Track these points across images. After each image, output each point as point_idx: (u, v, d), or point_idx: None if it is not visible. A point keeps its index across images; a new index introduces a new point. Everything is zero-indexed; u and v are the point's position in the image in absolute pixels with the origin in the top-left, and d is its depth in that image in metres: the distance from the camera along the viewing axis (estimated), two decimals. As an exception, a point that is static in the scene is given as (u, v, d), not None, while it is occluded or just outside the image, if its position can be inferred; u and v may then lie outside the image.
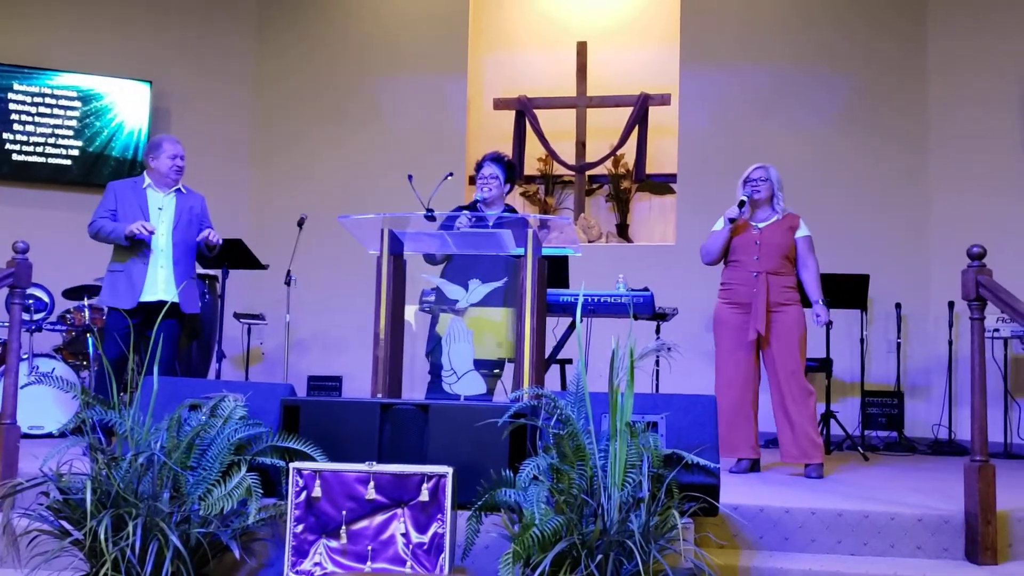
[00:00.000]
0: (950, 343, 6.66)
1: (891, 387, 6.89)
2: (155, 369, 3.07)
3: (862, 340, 6.82)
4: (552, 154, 7.90)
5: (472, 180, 7.89)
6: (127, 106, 7.62)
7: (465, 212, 4.28)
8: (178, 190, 4.91)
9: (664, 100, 7.70)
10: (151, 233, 4.69)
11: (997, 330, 6.01)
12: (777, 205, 4.77)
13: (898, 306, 6.87)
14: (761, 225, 4.74)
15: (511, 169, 4.82)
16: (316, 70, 8.08)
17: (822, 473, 4.53)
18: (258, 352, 7.65)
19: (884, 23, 7.31)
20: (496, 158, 4.78)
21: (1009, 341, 6.37)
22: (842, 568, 3.18)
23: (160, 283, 4.77)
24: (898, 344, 6.88)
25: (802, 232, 4.75)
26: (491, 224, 4.17)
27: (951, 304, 6.60)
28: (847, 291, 6.37)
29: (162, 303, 4.63)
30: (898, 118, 7.24)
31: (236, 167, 8.00)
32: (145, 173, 4.94)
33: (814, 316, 4.70)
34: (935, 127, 7.18)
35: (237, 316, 7.06)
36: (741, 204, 4.68)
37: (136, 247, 4.74)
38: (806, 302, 4.76)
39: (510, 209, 4.81)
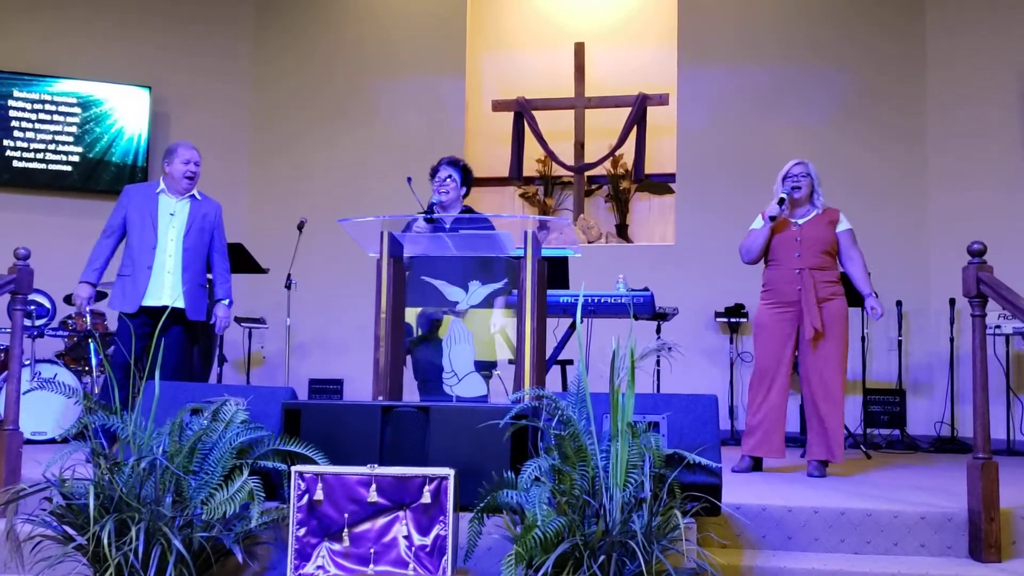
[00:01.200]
0: (951, 340, 6.66)
1: (893, 385, 6.89)
2: (156, 374, 3.07)
3: (863, 338, 6.82)
4: (551, 155, 7.90)
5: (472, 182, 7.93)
6: (127, 112, 7.64)
7: (423, 215, 4.28)
8: (192, 196, 4.92)
9: (662, 100, 7.71)
10: (85, 299, 4.81)
11: (999, 327, 6.02)
12: (817, 200, 4.69)
13: (899, 303, 6.87)
14: (801, 222, 4.66)
15: (467, 172, 4.84)
16: (314, 72, 8.09)
17: (824, 472, 4.52)
18: (259, 356, 7.66)
19: (882, 20, 7.32)
20: (452, 161, 4.80)
21: (1011, 338, 6.37)
22: (845, 567, 3.17)
23: (166, 288, 4.76)
24: (899, 342, 6.88)
25: (843, 226, 4.67)
26: (447, 226, 4.21)
27: (952, 301, 6.60)
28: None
29: (170, 309, 4.64)
30: (897, 116, 7.25)
31: (236, 171, 8.01)
32: (161, 178, 4.94)
33: (868, 310, 4.61)
34: (934, 124, 7.18)
35: (238, 320, 7.06)
36: (781, 202, 4.60)
37: (143, 252, 4.76)
38: (851, 297, 4.70)
39: (467, 210, 4.84)
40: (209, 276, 5.09)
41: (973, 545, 3.29)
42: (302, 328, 7.43)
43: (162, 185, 4.88)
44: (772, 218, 4.62)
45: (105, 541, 2.70)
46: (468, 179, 4.84)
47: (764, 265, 4.77)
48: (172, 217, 4.83)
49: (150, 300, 4.72)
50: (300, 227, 6.57)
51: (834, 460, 4.50)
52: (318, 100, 8.05)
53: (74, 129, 7.51)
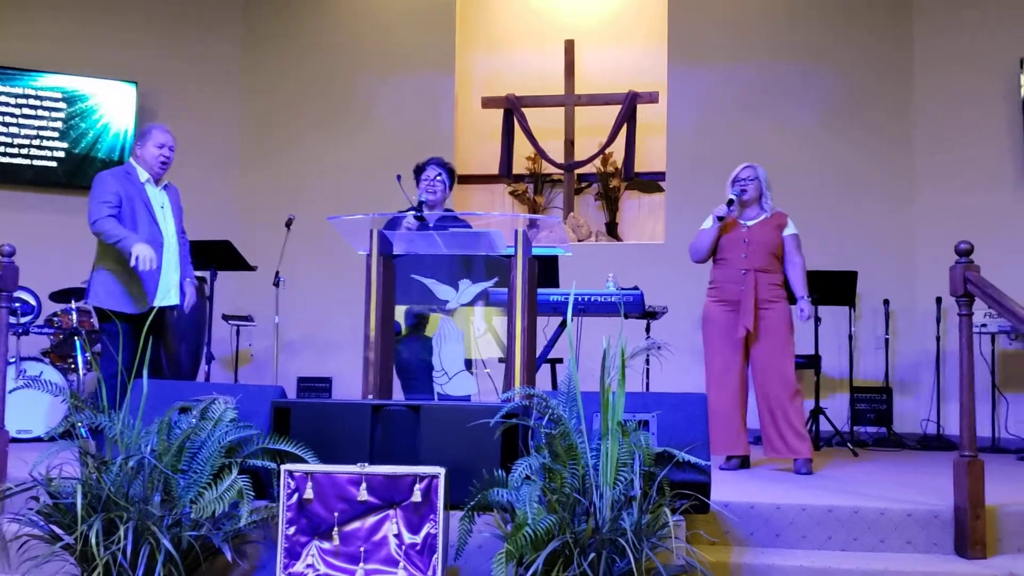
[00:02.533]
0: (938, 339, 6.70)
1: (880, 383, 6.92)
2: (144, 372, 3.05)
3: (850, 336, 6.85)
4: (541, 153, 7.90)
5: (462, 179, 7.94)
6: (113, 107, 7.59)
7: (412, 212, 4.28)
8: (166, 185, 4.66)
9: (652, 98, 7.72)
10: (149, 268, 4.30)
11: (984, 325, 6.05)
12: (765, 204, 4.82)
13: (886, 302, 6.90)
14: (749, 223, 4.78)
15: (453, 174, 4.90)
16: (304, 69, 8.06)
17: (811, 469, 4.55)
18: (247, 354, 7.63)
19: (870, 20, 7.35)
20: (441, 163, 4.83)
21: (996, 336, 6.41)
22: (833, 564, 3.19)
23: (172, 286, 4.55)
24: (886, 340, 6.91)
25: (789, 230, 4.80)
26: (431, 225, 4.22)
27: (939, 300, 6.64)
28: (835, 288, 6.40)
29: (170, 306, 4.55)
30: (884, 115, 7.27)
31: (224, 167, 7.98)
32: (134, 162, 4.59)
33: (798, 311, 4.75)
34: (921, 124, 7.22)
35: (226, 318, 7.04)
36: (730, 203, 4.73)
37: (152, 249, 4.37)
38: (793, 299, 4.80)
39: (446, 211, 4.87)
40: None
41: (959, 542, 3.32)
42: (290, 326, 7.40)
43: (145, 174, 4.54)
44: (720, 218, 4.73)
45: (93, 540, 2.69)
46: (453, 181, 4.88)
47: (712, 263, 4.88)
48: (163, 210, 4.59)
49: (159, 300, 4.45)
50: (288, 224, 6.54)
51: (799, 456, 4.55)
52: (308, 96, 8.02)
53: (59, 124, 7.46)
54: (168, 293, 4.53)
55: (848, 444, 5.97)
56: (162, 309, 4.54)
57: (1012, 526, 3.40)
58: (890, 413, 6.71)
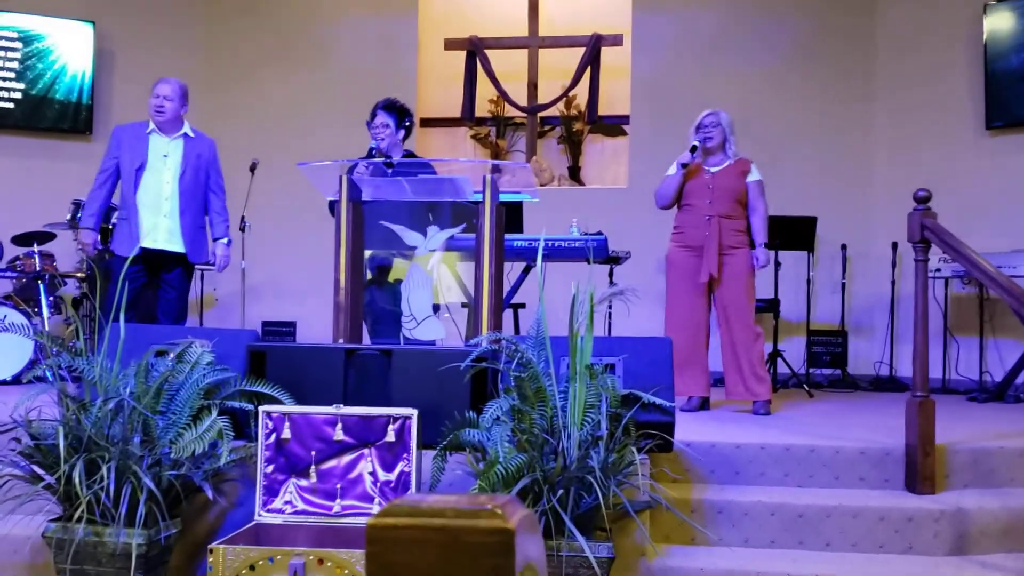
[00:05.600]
0: (893, 283, 6.88)
1: (836, 326, 7.11)
2: (121, 316, 3.07)
3: (808, 281, 7.00)
4: (503, 95, 7.87)
5: (424, 123, 7.91)
6: (70, 48, 7.42)
7: (363, 161, 4.30)
8: (186, 135, 4.89)
9: (616, 41, 7.70)
10: (89, 245, 4.88)
11: (939, 270, 6.20)
12: (729, 150, 4.86)
13: (844, 247, 7.06)
14: (713, 170, 4.84)
15: (403, 115, 4.84)
16: (267, 10, 7.93)
17: (769, 410, 4.70)
18: (211, 298, 7.62)
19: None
20: (387, 105, 4.81)
21: (950, 280, 6.58)
22: (790, 499, 3.34)
23: (162, 232, 4.78)
24: (843, 284, 7.09)
25: (753, 177, 4.85)
26: (391, 172, 4.24)
27: (895, 245, 6.80)
28: (795, 233, 6.53)
29: (166, 252, 4.74)
30: (847, 60, 7.34)
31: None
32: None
33: (753, 259, 4.80)
34: (882, 68, 7.29)
35: (190, 262, 7.00)
36: (693, 149, 4.78)
37: (141, 193, 4.78)
38: (755, 246, 4.90)
39: (408, 154, 4.86)
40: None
41: (909, 478, 3.48)
42: (253, 271, 7.39)
43: (152, 124, 4.86)
44: (684, 165, 4.80)
45: (76, 480, 2.74)
46: (405, 122, 4.83)
47: (677, 209, 4.94)
48: (166, 158, 4.81)
49: (146, 243, 4.72)
50: (252, 169, 6.50)
51: (759, 399, 4.68)
52: (271, 39, 7.90)
53: (15, 65, 7.28)
54: (158, 237, 4.78)
55: (804, 386, 6.15)
56: (176, 256, 4.81)
57: (960, 463, 3.56)
58: (845, 356, 6.91)
